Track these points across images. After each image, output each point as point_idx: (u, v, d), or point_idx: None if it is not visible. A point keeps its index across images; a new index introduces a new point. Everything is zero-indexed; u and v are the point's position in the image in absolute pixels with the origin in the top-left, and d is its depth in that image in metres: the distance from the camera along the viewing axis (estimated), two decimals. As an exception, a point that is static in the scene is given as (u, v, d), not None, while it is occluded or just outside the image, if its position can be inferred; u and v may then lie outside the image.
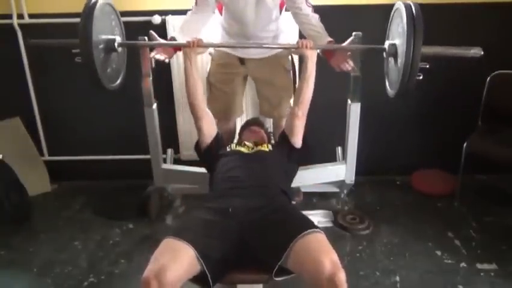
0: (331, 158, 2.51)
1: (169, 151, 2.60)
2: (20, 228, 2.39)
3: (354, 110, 2.24)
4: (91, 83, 1.83)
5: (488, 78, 2.45)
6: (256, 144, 1.94)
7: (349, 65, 2.06)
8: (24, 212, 2.47)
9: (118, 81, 2.01)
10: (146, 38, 2.15)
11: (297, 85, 1.92)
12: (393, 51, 1.79)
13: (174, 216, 2.48)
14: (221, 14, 2.09)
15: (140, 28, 2.40)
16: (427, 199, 2.57)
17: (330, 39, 2.03)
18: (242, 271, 1.42)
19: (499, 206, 2.49)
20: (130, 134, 2.64)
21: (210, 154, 1.89)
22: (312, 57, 1.83)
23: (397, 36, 1.77)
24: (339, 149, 2.53)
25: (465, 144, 2.37)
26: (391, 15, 1.89)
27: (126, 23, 2.45)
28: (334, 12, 2.41)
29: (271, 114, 2.31)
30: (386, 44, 1.84)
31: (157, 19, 2.44)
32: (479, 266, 2.01)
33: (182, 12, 2.41)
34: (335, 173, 2.41)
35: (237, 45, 2.11)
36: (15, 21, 2.49)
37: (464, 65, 2.54)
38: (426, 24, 2.55)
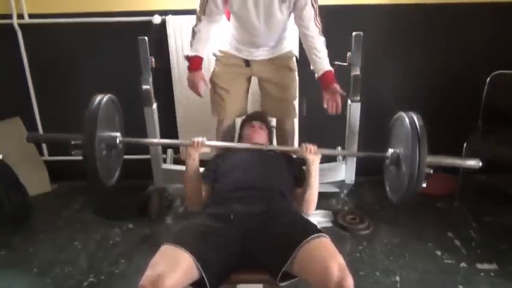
0: (331, 158, 2.51)
1: (169, 151, 2.60)
2: (20, 228, 2.39)
3: (354, 110, 2.24)
4: (90, 181, 1.75)
5: (488, 78, 2.44)
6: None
7: (337, 108, 2.04)
8: (24, 212, 2.47)
9: (115, 176, 1.93)
10: (146, 38, 2.15)
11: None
12: (396, 160, 1.77)
13: (174, 217, 2.48)
14: (228, 19, 2.06)
15: (140, 28, 2.41)
16: (427, 199, 2.57)
17: (329, 68, 2.02)
18: (242, 271, 1.42)
19: (499, 206, 2.49)
20: (130, 134, 2.63)
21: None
22: (314, 161, 1.76)
23: (400, 145, 1.76)
24: (339, 149, 2.53)
25: (465, 144, 2.37)
26: (391, 122, 1.87)
27: (126, 23, 2.47)
28: (334, 12, 2.41)
29: (274, 110, 2.30)
30: (389, 151, 1.82)
31: (157, 19, 2.44)
32: (479, 266, 2.01)
33: (183, 12, 2.42)
34: (335, 173, 2.41)
35: (238, 147, 2.05)
36: (15, 21, 2.49)
37: (464, 65, 2.55)
38: (427, 25, 2.56)
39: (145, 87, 2.23)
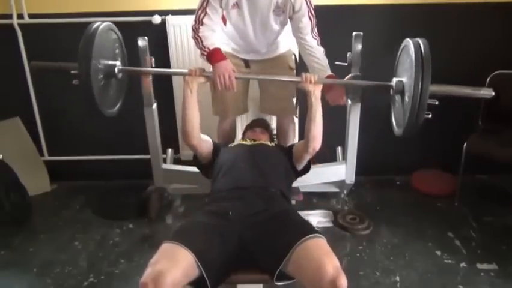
0: (331, 158, 2.51)
1: (169, 151, 2.60)
2: (20, 228, 2.39)
3: (354, 110, 2.24)
4: (87, 106, 1.78)
5: (488, 78, 2.44)
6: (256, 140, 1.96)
7: (343, 101, 2.07)
8: (24, 212, 2.47)
9: (116, 108, 1.94)
10: (146, 38, 2.15)
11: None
12: (401, 89, 1.74)
13: (174, 216, 2.48)
14: (225, 24, 2.07)
15: (140, 28, 2.41)
16: (427, 199, 2.57)
17: (330, 73, 2.02)
18: (242, 271, 1.42)
19: (499, 206, 2.49)
20: (130, 134, 2.64)
21: (209, 165, 1.88)
22: (315, 92, 1.78)
23: (405, 73, 1.73)
24: (339, 149, 2.53)
25: (465, 144, 2.37)
26: (399, 51, 1.85)
27: (126, 23, 2.46)
28: (334, 12, 2.41)
29: (273, 109, 2.30)
30: (394, 81, 1.80)
31: (157, 19, 2.44)
32: (479, 266, 2.01)
33: (183, 12, 2.42)
34: (335, 173, 2.41)
35: (245, 77, 2.08)
36: (15, 21, 2.49)
37: (464, 65, 2.55)
38: (427, 26, 2.56)
39: (145, 87, 2.23)
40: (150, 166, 2.40)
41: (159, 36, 2.43)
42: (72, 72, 1.76)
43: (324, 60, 2.02)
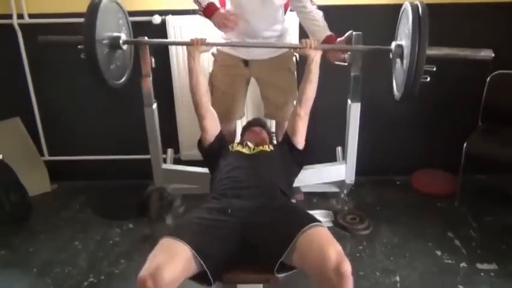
0: (331, 158, 2.51)
1: (169, 151, 2.60)
2: (20, 228, 2.39)
3: (354, 110, 2.23)
4: (93, 78, 1.84)
5: (488, 78, 2.45)
6: (257, 144, 1.94)
7: (344, 58, 2.09)
8: (24, 212, 2.47)
9: (123, 79, 2.01)
10: (146, 38, 2.15)
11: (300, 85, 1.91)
12: (400, 53, 1.75)
13: (174, 216, 2.48)
14: (224, 7, 2.07)
15: (140, 28, 2.41)
16: (427, 199, 2.57)
17: (329, 33, 2.05)
18: (242, 271, 1.42)
19: (499, 206, 2.49)
20: (130, 134, 2.64)
21: (212, 152, 1.89)
22: (315, 57, 1.84)
23: (404, 37, 1.74)
24: (339, 149, 2.53)
25: (465, 144, 2.37)
26: (400, 15, 1.85)
27: (126, 23, 2.46)
28: (334, 12, 2.41)
29: (275, 116, 2.31)
30: (393, 44, 1.81)
31: (157, 19, 2.44)
32: (479, 266, 2.01)
33: (183, 12, 2.42)
34: (335, 173, 2.40)
35: (240, 44, 2.10)
36: (15, 21, 2.49)
37: (464, 65, 2.55)
38: (430, 24, 2.55)
39: (145, 87, 2.22)
40: (150, 166, 2.40)
41: (159, 36, 2.43)
42: (79, 46, 1.81)
43: (322, 21, 2.05)
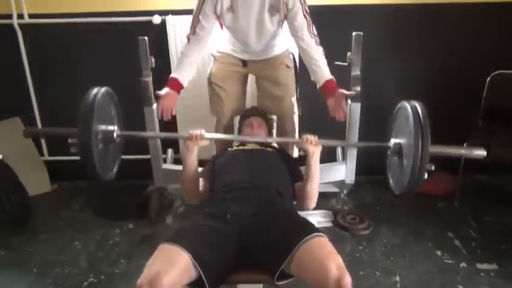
0: (331, 158, 2.51)
1: (169, 151, 2.60)
2: (20, 228, 2.39)
3: (354, 110, 2.23)
4: (88, 174, 1.73)
5: (488, 78, 2.44)
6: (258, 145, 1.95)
7: (342, 115, 2.06)
8: (24, 212, 2.47)
9: (114, 171, 1.91)
10: (146, 38, 2.15)
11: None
12: (398, 150, 1.76)
13: (174, 216, 2.48)
14: (221, 28, 2.08)
15: (140, 28, 2.41)
16: (427, 199, 2.57)
17: (330, 77, 2.02)
18: (242, 271, 1.42)
19: (499, 206, 2.49)
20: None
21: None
22: (315, 153, 1.74)
23: (403, 136, 1.75)
24: (339, 149, 2.53)
25: (465, 145, 2.36)
26: (394, 113, 1.85)
27: (126, 23, 2.47)
28: (334, 12, 2.42)
29: (272, 110, 2.30)
30: (391, 142, 1.82)
31: (157, 19, 2.44)
32: (479, 266, 2.01)
33: (183, 12, 2.42)
34: (335, 173, 2.40)
35: (238, 138, 2.08)
36: (15, 21, 2.50)
37: (464, 65, 2.55)
38: (427, 26, 2.56)
39: (145, 87, 2.22)
40: (150, 166, 2.40)
41: (159, 36, 2.43)
42: (70, 141, 1.69)
43: (322, 62, 2.01)
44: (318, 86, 2.05)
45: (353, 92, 2.09)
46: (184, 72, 2.04)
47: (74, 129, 1.66)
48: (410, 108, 1.67)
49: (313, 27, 1.97)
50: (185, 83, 2.05)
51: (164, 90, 2.03)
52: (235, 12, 1.93)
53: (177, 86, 2.04)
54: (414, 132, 1.59)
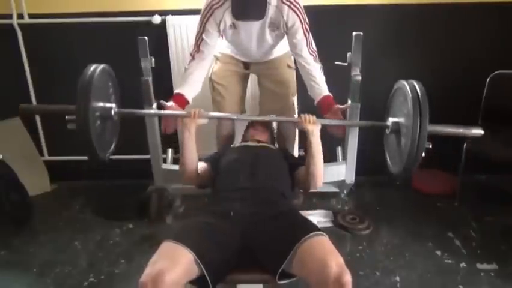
0: (331, 158, 2.51)
1: (169, 151, 2.60)
2: (20, 228, 2.39)
3: (354, 110, 2.23)
4: (85, 152, 1.73)
5: (488, 78, 2.44)
6: (260, 142, 1.96)
7: (343, 130, 2.10)
8: (24, 212, 2.47)
9: (110, 150, 1.90)
10: (146, 38, 2.15)
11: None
12: (397, 129, 1.77)
13: (174, 216, 2.48)
14: (222, 38, 2.09)
15: (140, 28, 2.41)
16: (427, 199, 2.57)
17: (327, 93, 2.03)
18: (242, 271, 1.42)
19: (499, 206, 2.49)
20: (129, 134, 2.63)
21: (211, 182, 1.84)
22: (314, 131, 1.74)
23: (401, 115, 1.75)
24: (339, 149, 2.53)
25: (465, 144, 2.37)
26: (392, 92, 1.86)
27: (126, 23, 2.47)
28: (334, 12, 2.42)
29: (274, 108, 2.30)
30: (389, 121, 1.82)
31: (157, 19, 2.44)
32: (479, 266, 2.01)
33: (183, 12, 2.42)
34: (335, 173, 2.40)
35: (241, 118, 2.13)
36: (15, 21, 2.49)
37: (464, 65, 2.55)
38: (427, 26, 2.56)
39: (145, 87, 2.22)
40: (150, 166, 2.40)
41: (159, 36, 2.43)
42: (67, 118, 1.69)
43: (320, 79, 2.03)
44: (315, 102, 2.06)
45: (348, 105, 2.11)
46: (189, 88, 2.03)
47: (72, 106, 1.66)
48: (408, 86, 1.67)
49: (313, 44, 1.99)
50: (190, 99, 2.04)
51: (170, 103, 2.00)
52: (237, 28, 1.95)
53: (182, 102, 2.02)
54: (412, 110, 1.58)
